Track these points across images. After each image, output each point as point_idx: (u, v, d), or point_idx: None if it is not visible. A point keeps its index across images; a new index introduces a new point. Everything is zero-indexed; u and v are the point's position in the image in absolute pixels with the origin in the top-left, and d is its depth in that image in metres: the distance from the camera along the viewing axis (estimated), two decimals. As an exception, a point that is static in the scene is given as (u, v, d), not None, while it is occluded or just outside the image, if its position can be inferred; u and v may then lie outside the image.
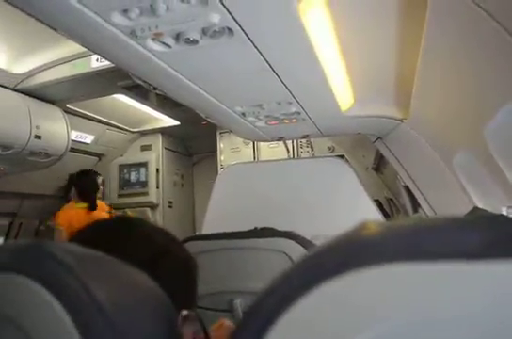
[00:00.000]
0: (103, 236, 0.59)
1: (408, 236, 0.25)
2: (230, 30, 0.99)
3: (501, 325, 0.24)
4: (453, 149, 1.57)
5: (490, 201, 1.59)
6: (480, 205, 1.73)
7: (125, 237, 0.60)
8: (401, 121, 1.87)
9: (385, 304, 0.25)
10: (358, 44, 1.27)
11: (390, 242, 0.26)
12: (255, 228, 1.45)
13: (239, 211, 2.26)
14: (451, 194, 1.87)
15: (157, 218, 4.38)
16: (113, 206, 4.31)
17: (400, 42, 1.24)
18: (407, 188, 2.34)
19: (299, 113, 1.75)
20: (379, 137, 2.25)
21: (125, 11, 0.91)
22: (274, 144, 3.74)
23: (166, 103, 3.30)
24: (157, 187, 4.34)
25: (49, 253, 0.33)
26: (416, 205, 2.33)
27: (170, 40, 1.03)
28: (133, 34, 0.99)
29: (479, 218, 0.27)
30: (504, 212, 1.48)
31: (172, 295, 0.41)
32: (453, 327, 0.24)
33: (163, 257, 0.59)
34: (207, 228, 2.29)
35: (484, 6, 0.77)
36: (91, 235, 0.60)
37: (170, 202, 4.55)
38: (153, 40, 1.03)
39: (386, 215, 3.28)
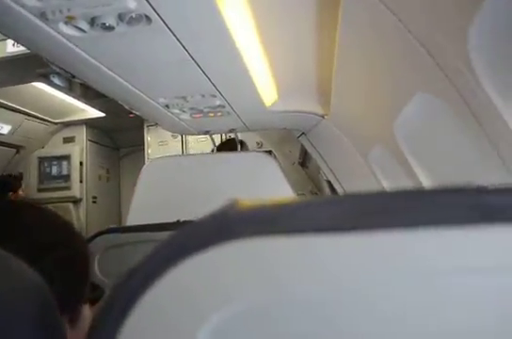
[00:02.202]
0: None
1: (267, 212, 0.27)
2: (147, 17, 0.98)
3: (362, 293, 0.25)
4: (368, 144, 1.66)
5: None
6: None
7: (7, 225, 0.54)
8: (323, 116, 1.94)
9: (245, 281, 0.26)
10: (279, 41, 1.29)
11: (248, 217, 0.27)
12: (177, 221, 1.44)
13: (163, 204, 2.23)
14: (368, 187, 1.96)
15: (80, 214, 4.21)
16: (33, 201, 4.09)
17: (318, 41, 1.28)
18: (328, 182, 2.43)
19: (224, 107, 1.76)
20: (303, 133, 2.32)
21: (34, -9, 0.87)
22: (203, 138, 3.73)
23: (90, 93, 3.17)
24: (81, 181, 4.17)
25: None
26: (337, 198, 2.42)
27: (85, 25, 1.00)
28: (43, 16, 0.94)
29: (337, 196, 0.29)
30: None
31: (59, 294, 0.38)
32: (312, 303, 0.25)
33: (48, 249, 0.54)
34: (131, 222, 2.24)
35: (390, 6, 0.82)
36: None
37: (95, 197, 4.39)
38: (66, 23, 0.98)
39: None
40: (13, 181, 3.49)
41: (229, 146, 2.99)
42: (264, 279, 0.26)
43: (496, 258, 0.24)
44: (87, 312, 0.56)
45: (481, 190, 0.25)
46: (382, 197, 0.27)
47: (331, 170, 2.32)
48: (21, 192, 3.45)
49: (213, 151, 3.22)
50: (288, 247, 0.25)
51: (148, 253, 0.27)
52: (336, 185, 2.35)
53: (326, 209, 0.26)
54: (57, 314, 0.37)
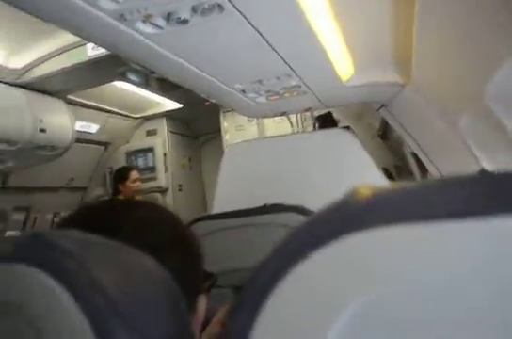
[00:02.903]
0: (101, 222, 0.54)
1: (395, 199, 0.26)
2: (220, 6, 0.98)
3: (499, 282, 0.24)
4: (457, 112, 1.55)
5: (498, 162, 1.57)
6: (488, 167, 1.72)
7: (128, 222, 0.56)
8: (403, 86, 1.84)
9: (380, 269, 0.25)
10: (352, 12, 1.24)
11: (377, 206, 0.26)
12: (264, 205, 1.46)
13: (247, 189, 2.27)
14: (458, 158, 1.85)
15: (167, 202, 4.42)
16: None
17: (395, 7, 1.21)
18: (414, 155, 2.32)
19: (299, 86, 1.73)
20: (383, 105, 2.23)
21: (112, -5, 0.90)
22: (279, 120, 3.72)
23: (166, 86, 3.28)
24: (165, 172, 4.36)
25: (49, 241, 0.33)
26: (424, 171, 2.32)
27: (161, 21, 1.02)
28: (122, 18, 0.98)
29: (462, 178, 0.27)
30: None
31: (178, 279, 0.40)
32: (448, 288, 0.24)
33: (170, 244, 0.56)
34: (217, 208, 2.30)
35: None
36: (89, 220, 0.55)
37: (180, 186, 4.58)
38: (144, 22, 1.01)
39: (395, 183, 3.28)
40: (123, 171, 3.55)
41: (330, 120, 2.93)
42: (396, 268, 0.25)
43: None
44: (203, 301, 0.59)
45: None
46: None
47: (416, 142, 2.22)
48: (131, 183, 3.48)
49: (314, 128, 3.20)
50: (421, 234, 0.24)
51: (276, 246, 0.28)
52: (422, 158, 2.24)
53: (457, 193, 0.24)
54: (184, 304, 0.39)
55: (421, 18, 1.15)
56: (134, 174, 3.49)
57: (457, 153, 1.83)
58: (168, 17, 1.00)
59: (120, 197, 3.35)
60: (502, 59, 0.93)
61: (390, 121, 2.33)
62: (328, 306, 0.26)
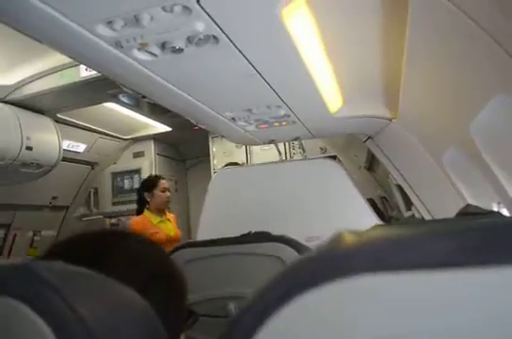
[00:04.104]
0: (89, 252, 0.53)
1: (379, 248, 0.26)
2: (215, 38, 1.00)
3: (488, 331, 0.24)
4: (442, 146, 1.59)
5: (481, 196, 1.60)
6: (472, 201, 1.74)
7: (116, 254, 0.55)
8: (390, 120, 1.89)
9: (357, 317, 0.25)
10: (343, 47, 1.28)
11: (360, 254, 0.26)
12: (249, 232, 1.45)
13: (233, 215, 2.26)
14: (443, 191, 1.88)
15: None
16: (107, 215, 4.30)
17: (384, 44, 1.25)
18: (399, 187, 2.35)
19: (289, 116, 1.76)
20: (370, 137, 2.27)
21: (109, 23, 0.92)
22: (266, 147, 3.75)
23: (157, 109, 3.30)
24: (152, 194, 4.33)
25: (32, 273, 0.33)
26: (409, 203, 2.34)
27: (156, 50, 1.04)
28: (118, 45, 0.99)
29: (447, 227, 0.27)
30: (495, 208, 1.49)
31: (162, 316, 0.40)
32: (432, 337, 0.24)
33: (156, 280, 0.56)
34: (202, 234, 2.29)
35: (461, 6, 0.78)
36: (76, 250, 0.54)
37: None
38: (139, 49, 1.03)
39: (380, 213, 3.30)
40: (152, 179, 3.29)
41: None
42: (378, 317, 0.25)
43: None
44: None
45: None
46: (503, 228, 0.25)
47: (401, 175, 2.25)
48: (160, 192, 3.19)
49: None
50: (403, 283, 0.25)
51: (257, 292, 0.28)
52: (407, 190, 2.27)
53: (441, 243, 0.25)
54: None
55: (410, 56, 1.19)
56: (163, 183, 3.22)
57: (441, 187, 1.86)
58: (164, 46, 1.02)
59: (148, 209, 3.14)
60: (486, 99, 0.96)
61: (376, 153, 2.37)
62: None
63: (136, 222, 3.03)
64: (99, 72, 1.35)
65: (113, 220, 4.27)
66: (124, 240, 0.60)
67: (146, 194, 3.14)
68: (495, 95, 0.90)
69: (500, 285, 0.24)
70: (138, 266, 0.55)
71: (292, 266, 0.28)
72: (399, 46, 1.18)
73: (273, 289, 0.27)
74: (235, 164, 3.72)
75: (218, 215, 2.36)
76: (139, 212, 3.14)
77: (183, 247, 1.42)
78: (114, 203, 4.35)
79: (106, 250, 0.55)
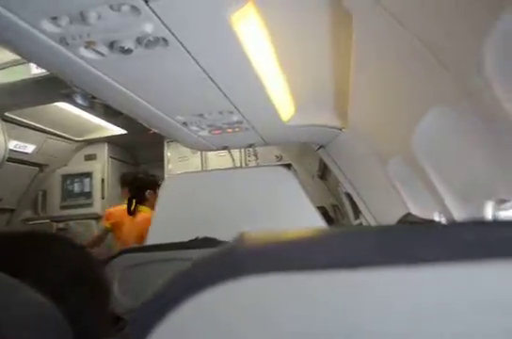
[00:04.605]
0: (8, 255, 0.51)
1: (275, 249, 0.27)
2: (164, 40, 1.00)
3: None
4: (387, 156, 1.64)
5: (423, 206, 1.66)
6: (416, 211, 1.81)
7: (31, 257, 0.52)
8: (340, 129, 1.93)
9: (251, 317, 0.25)
10: (294, 56, 1.30)
11: (254, 255, 0.27)
12: (196, 238, 1.44)
13: (183, 221, 2.24)
14: (389, 200, 1.94)
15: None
16: (55, 219, 4.16)
17: (334, 55, 1.29)
18: (348, 195, 2.41)
19: (241, 122, 1.77)
20: (322, 146, 2.32)
21: (54, 19, 0.90)
22: (223, 153, 3.74)
23: (111, 111, 3.23)
24: (102, 198, 4.22)
25: None
26: (357, 211, 2.40)
27: (104, 49, 1.03)
28: (63, 41, 0.97)
29: (345, 230, 0.28)
30: (436, 217, 1.55)
31: (79, 321, 0.38)
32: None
33: (74, 284, 0.53)
34: (151, 239, 2.25)
35: (401, 21, 0.82)
36: None
37: (117, 214, 4.43)
38: (86, 48, 1.01)
39: (331, 221, 3.36)
40: (156, 178, 3.20)
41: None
42: (270, 316, 0.25)
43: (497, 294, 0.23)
44: None
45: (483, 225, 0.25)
46: (388, 233, 0.27)
47: (351, 183, 2.31)
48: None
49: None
50: (295, 284, 0.25)
51: (155, 291, 0.28)
52: (356, 198, 2.33)
53: (333, 246, 0.26)
54: None
55: (356, 69, 1.23)
56: None
57: (388, 196, 1.92)
58: (112, 45, 1.01)
59: (145, 206, 3.05)
60: (425, 111, 1.01)
61: (327, 162, 2.42)
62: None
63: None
64: (46, 69, 1.31)
65: (60, 225, 4.13)
66: (48, 244, 0.57)
67: (149, 192, 3.07)
68: (432, 107, 0.94)
69: (409, 284, 0.24)
70: (57, 270, 0.53)
71: (190, 267, 0.28)
72: (348, 57, 1.22)
73: (171, 288, 0.27)
74: None
75: (169, 220, 2.32)
76: (131, 210, 3.02)
77: (126, 251, 1.39)
78: (63, 207, 4.21)
79: (28, 254, 0.53)
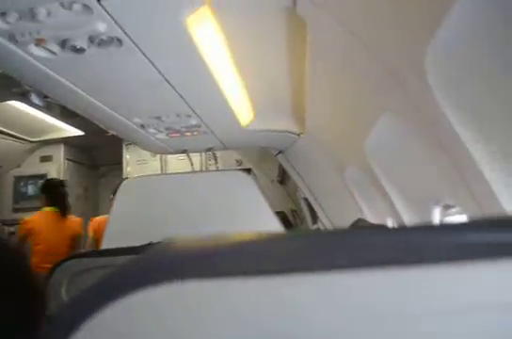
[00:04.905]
0: None
1: (194, 256, 0.26)
2: (118, 40, 0.98)
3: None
4: (343, 162, 1.68)
5: (375, 209, 1.70)
6: (370, 216, 1.85)
7: None
8: (299, 135, 1.95)
9: (173, 323, 0.25)
10: (251, 61, 1.31)
11: (174, 262, 0.26)
12: (149, 243, 1.41)
13: (140, 225, 2.19)
14: (345, 206, 1.97)
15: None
16: (6, 222, 4.00)
17: (290, 62, 1.30)
18: (306, 200, 2.43)
19: (200, 126, 1.77)
20: (281, 151, 2.33)
21: (3, 14, 0.87)
22: (183, 157, 3.71)
23: (68, 111, 3.14)
24: (58, 201, 4.09)
25: None
26: (315, 217, 2.43)
27: (55, 47, 1.00)
28: (12, 38, 0.94)
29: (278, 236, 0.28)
30: (389, 223, 1.59)
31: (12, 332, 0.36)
32: None
33: (5, 292, 0.51)
34: (106, 243, 2.20)
35: (355, 32, 0.84)
36: None
37: (73, 217, 4.31)
38: (36, 45, 0.98)
39: (290, 226, 3.39)
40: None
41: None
42: (190, 323, 0.25)
43: (441, 300, 0.24)
44: None
45: (412, 229, 0.26)
46: (314, 238, 0.27)
47: (308, 188, 2.34)
48: None
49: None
50: (215, 290, 0.25)
51: (72, 298, 0.27)
52: (314, 204, 2.36)
53: (254, 252, 0.26)
54: None
55: (311, 75, 1.25)
56: None
57: (344, 201, 1.95)
58: (63, 44, 0.98)
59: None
60: (376, 117, 1.03)
61: (286, 167, 2.44)
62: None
63: None
64: (-5, 66, 1.27)
65: (12, 229, 3.97)
66: None
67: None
68: (382, 114, 0.96)
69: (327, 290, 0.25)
70: None
71: (109, 274, 0.27)
72: (303, 64, 1.23)
73: (88, 295, 0.27)
74: None
75: (125, 225, 2.27)
76: None
77: (74, 257, 1.35)
78: (15, 210, 4.05)
79: None
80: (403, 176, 1.15)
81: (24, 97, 2.87)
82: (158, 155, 3.87)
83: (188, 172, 2.71)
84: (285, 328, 0.25)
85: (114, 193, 3.16)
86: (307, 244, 0.26)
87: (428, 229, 0.26)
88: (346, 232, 0.28)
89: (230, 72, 1.33)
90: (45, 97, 1.57)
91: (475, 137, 0.63)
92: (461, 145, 0.64)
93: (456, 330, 0.24)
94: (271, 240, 0.27)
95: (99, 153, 4.61)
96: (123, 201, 2.32)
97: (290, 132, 1.96)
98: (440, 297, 0.24)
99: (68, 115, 3.34)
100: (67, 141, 4.16)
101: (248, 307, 0.25)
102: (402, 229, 0.30)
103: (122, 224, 2.27)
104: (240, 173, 2.42)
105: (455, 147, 0.68)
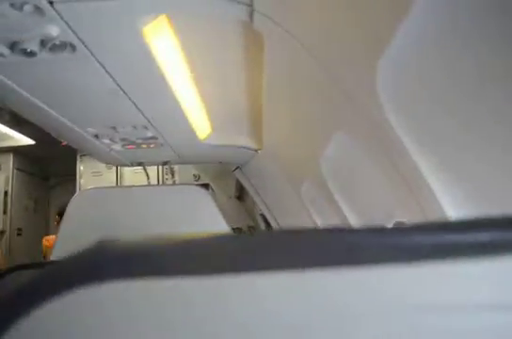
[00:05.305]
0: None
1: (133, 253, 0.26)
2: (72, 45, 0.95)
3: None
4: (299, 179, 1.68)
5: (331, 227, 1.71)
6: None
7: None
8: (256, 151, 1.96)
9: (108, 325, 0.24)
10: (208, 76, 1.30)
11: (112, 259, 0.26)
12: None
13: (92, 237, 2.11)
14: (301, 221, 1.98)
15: (3, 248, 3.92)
16: None
17: (247, 78, 1.30)
18: (263, 216, 2.43)
19: (157, 138, 1.74)
20: (238, 167, 2.33)
21: None
22: (139, 170, 3.64)
23: (19, 119, 3.02)
24: (4, 213, 3.91)
25: None
26: (271, 233, 2.42)
27: (4, 49, 0.95)
28: (-44, 38, 0.89)
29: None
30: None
31: None
32: None
33: None
34: (56, 255, 2.10)
35: (307, 47, 0.85)
36: None
37: (20, 229, 4.12)
38: (-17, 46, 0.94)
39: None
40: None
41: None
42: (130, 322, 0.24)
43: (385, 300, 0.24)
44: None
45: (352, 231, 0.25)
46: (256, 238, 0.26)
47: (266, 204, 2.33)
48: None
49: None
50: (155, 290, 0.24)
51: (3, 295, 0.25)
52: (270, 220, 2.35)
53: (196, 251, 0.25)
54: None
55: (268, 92, 1.26)
56: None
57: (300, 217, 1.96)
58: (13, 46, 0.94)
59: None
60: (329, 136, 1.04)
61: (243, 183, 2.43)
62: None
63: None
64: None
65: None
66: None
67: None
68: (335, 133, 0.98)
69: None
70: None
71: (44, 270, 0.26)
72: (260, 81, 1.24)
73: (21, 293, 0.25)
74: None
75: (76, 237, 2.19)
76: None
77: (17, 268, 1.28)
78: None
79: None
80: (356, 193, 1.17)
81: (-28, 103, 2.75)
82: (114, 168, 3.79)
83: (144, 185, 2.66)
84: (224, 331, 0.24)
85: (60, 214, 3.13)
86: (254, 243, 0.25)
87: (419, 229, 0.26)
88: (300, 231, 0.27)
89: (187, 84, 1.32)
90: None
91: (423, 150, 0.65)
92: (409, 159, 0.66)
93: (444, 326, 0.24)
94: (215, 239, 0.26)
95: (51, 164, 4.46)
96: (75, 213, 2.24)
97: (247, 148, 1.96)
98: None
99: (18, 123, 3.22)
100: (17, 150, 4.00)
101: (185, 307, 0.24)
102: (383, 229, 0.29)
103: (73, 235, 2.18)
104: (196, 188, 2.38)
105: (403, 162, 0.69)
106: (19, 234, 4.11)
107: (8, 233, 3.96)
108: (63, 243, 2.18)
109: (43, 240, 3.15)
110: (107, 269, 0.25)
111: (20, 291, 0.25)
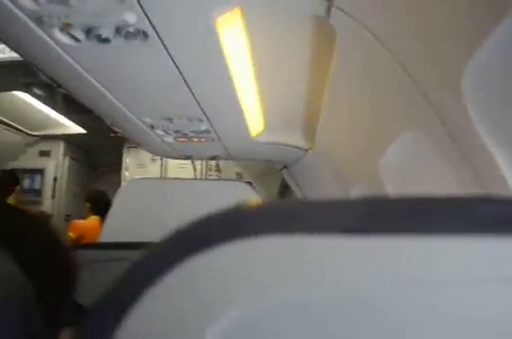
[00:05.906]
0: None
1: (281, 211, 0.26)
2: (145, 33, 0.97)
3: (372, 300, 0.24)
4: (351, 181, 1.65)
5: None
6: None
7: (9, 230, 0.52)
8: (307, 151, 1.94)
9: (253, 282, 0.24)
10: (271, 72, 1.30)
11: (258, 215, 0.26)
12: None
13: (137, 226, 2.16)
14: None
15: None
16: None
17: (310, 76, 1.29)
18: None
19: (209, 132, 1.75)
20: (286, 166, 2.32)
21: (34, -5, 0.85)
22: (183, 164, 3.69)
23: (72, 107, 3.11)
24: (53, 197, 4.04)
25: None
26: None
27: (80, 34, 0.98)
28: (39, 20, 0.92)
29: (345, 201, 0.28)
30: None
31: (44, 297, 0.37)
32: (326, 305, 0.24)
33: (40, 260, 0.52)
34: (103, 240, 2.16)
35: (385, 43, 0.83)
36: None
37: (68, 216, 4.24)
38: (62, 30, 0.96)
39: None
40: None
41: None
42: (272, 280, 0.24)
43: (493, 269, 0.23)
44: (67, 336, 0.52)
45: (481, 201, 0.24)
46: (396, 202, 0.26)
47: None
48: None
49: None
50: (299, 247, 0.24)
51: (150, 250, 0.26)
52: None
53: (339, 211, 0.25)
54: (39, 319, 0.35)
55: (332, 88, 1.23)
56: None
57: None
58: (89, 31, 0.96)
59: None
60: (395, 136, 1.01)
61: (290, 183, 2.42)
62: (200, 314, 0.24)
63: None
64: (15, 50, 1.24)
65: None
66: (10, 217, 0.55)
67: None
68: (404, 131, 0.95)
69: None
70: (29, 242, 0.52)
71: (189, 225, 0.26)
72: (323, 79, 1.22)
73: (164, 249, 0.26)
74: None
75: (123, 222, 2.25)
76: None
77: (78, 247, 1.32)
78: (6, 203, 3.99)
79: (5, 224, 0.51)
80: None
81: (29, 88, 2.85)
82: (158, 161, 3.85)
83: (191, 179, 2.69)
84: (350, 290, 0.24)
85: (88, 201, 3.26)
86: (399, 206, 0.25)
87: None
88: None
89: (249, 79, 1.32)
90: (58, 86, 1.54)
91: (510, 156, 0.61)
92: (494, 166, 0.62)
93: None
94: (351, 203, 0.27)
95: (99, 154, 4.58)
96: (124, 200, 2.29)
97: (298, 146, 1.94)
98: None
99: (72, 111, 3.32)
100: (67, 138, 4.13)
101: (322, 265, 0.24)
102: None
103: (120, 222, 2.24)
104: (242, 184, 2.39)
105: (490, 174, 0.65)
106: (66, 220, 4.24)
107: (55, 217, 4.09)
108: (111, 229, 2.24)
109: (72, 225, 3.16)
110: (266, 225, 0.25)
111: (160, 248, 0.26)
